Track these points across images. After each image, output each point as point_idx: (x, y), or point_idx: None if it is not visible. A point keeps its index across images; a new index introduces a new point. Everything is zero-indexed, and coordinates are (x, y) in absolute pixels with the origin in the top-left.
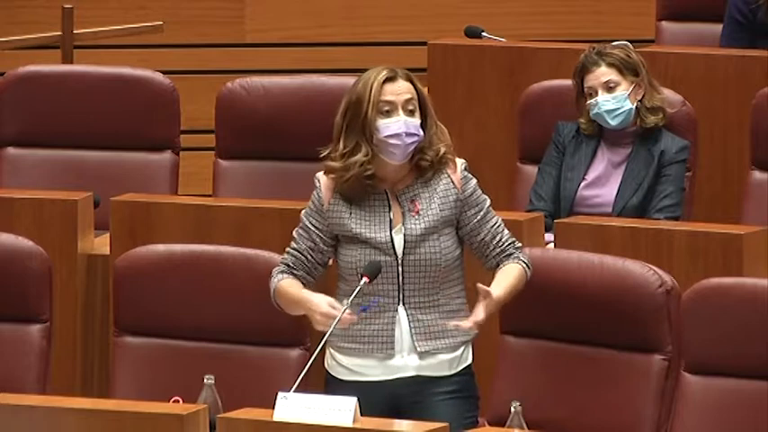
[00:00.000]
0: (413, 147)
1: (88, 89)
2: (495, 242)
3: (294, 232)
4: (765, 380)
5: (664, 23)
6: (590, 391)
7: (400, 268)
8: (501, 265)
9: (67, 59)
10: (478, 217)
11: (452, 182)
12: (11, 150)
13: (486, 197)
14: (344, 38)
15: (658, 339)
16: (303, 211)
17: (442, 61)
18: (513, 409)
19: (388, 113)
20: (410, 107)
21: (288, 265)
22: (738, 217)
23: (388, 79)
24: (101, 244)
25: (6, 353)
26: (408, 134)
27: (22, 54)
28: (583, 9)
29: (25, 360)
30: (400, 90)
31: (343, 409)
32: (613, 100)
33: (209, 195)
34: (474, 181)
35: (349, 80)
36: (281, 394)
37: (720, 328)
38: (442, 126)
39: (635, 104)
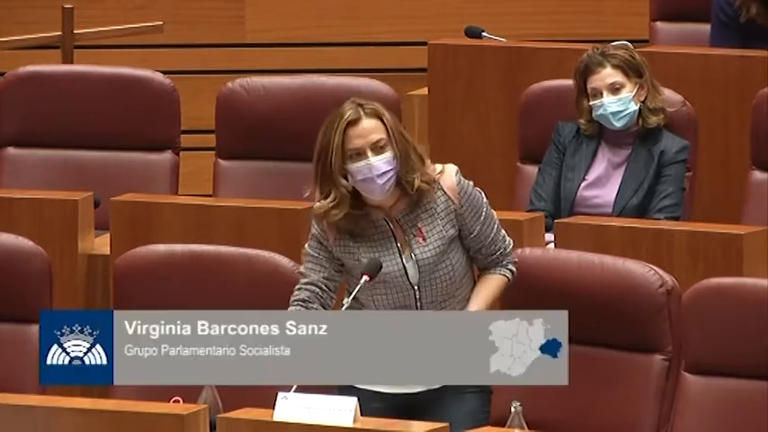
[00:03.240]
0: (390, 182)
1: (88, 89)
2: (489, 251)
3: (302, 268)
4: (765, 380)
5: (658, 24)
6: (590, 391)
7: (418, 294)
8: (484, 274)
9: (67, 59)
10: (478, 227)
11: (449, 197)
12: (11, 150)
13: (481, 195)
14: (344, 38)
15: (659, 339)
16: (306, 246)
17: (442, 61)
18: (513, 409)
19: (357, 157)
20: (380, 144)
21: (303, 300)
22: (738, 217)
23: (351, 123)
24: (101, 244)
25: (6, 353)
26: (380, 175)
27: (22, 54)
28: (583, 9)
29: (25, 360)
30: (365, 132)
31: (343, 409)
32: (619, 102)
33: (210, 195)
34: (469, 187)
35: (349, 80)
36: (281, 394)
37: (720, 328)
38: (419, 149)
39: (638, 105)
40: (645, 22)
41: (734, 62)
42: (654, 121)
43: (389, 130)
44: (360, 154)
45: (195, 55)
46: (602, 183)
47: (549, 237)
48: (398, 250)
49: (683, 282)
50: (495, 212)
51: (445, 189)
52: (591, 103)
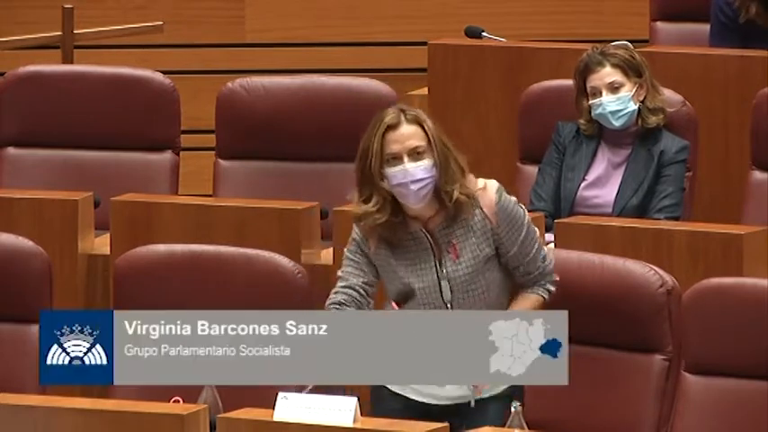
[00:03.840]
0: (426, 189)
1: (88, 89)
2: (527, 269)
3: (340, 272)
4: (765, 380)
5: (658, 24)
6: (591, 392)
7: (449, 297)
8: (521, 292)
9: (67, 59)
10: (516, 247)
11: (486, 216)
12: (11, 150)
13: (523, 213)
14: (344, 38)
15: (659, 339)
16: (346, 250)
17: (442, 61)
18: (513, 409)
19: (394, 162)
20: (417, 151)
21: (340, 303)
22: (738, 217)
23: (391, 127)
24: (101, 244)
25: (6, 353)
26: (414, 181)
27: (22, 54)
28: (583, 9)
29: (25, 360)
30: (403, 137)
31: (343, 409)
32: (618, 101)
33: (210, 195)
34: (509, 205)
35: (349, 80)
36: (281, 394)
37: (720, 328)
38: (461, 160)
39: (637, 105)
40: (645, 22)
41: (734, 62)
42: (653, 121)
43: (430, 138)
44: (396, 159)
45: (195, 55)
46: (602, 183)
47: (549, 237)
48: (435, 265)
49: (683, 282)
50: (537, 229)
51: (483, 207)
52: (590, 102)
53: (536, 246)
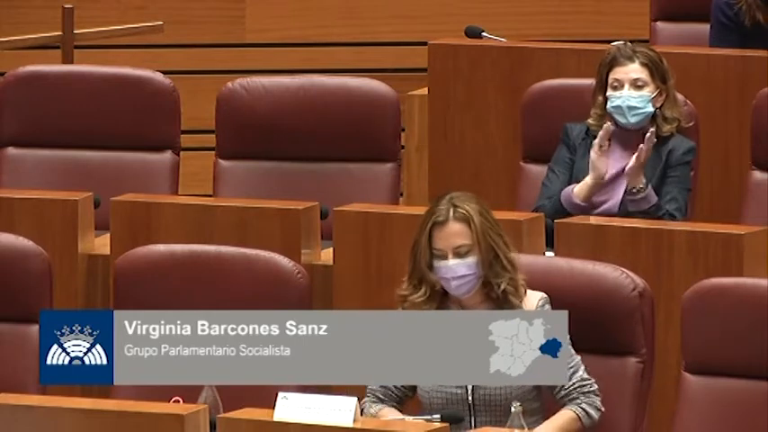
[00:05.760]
0: (469, 285)
1: (88, 89)
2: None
3: None
4: (765, 380)
5: (658, 24)
6: None
7: (470, 399)
8: (560, 409)
9: (67, 59)
10: None
11: None
12: (11, 150)
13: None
14: (344, 38)
15: (633, 342)
16: None
17: (442, 61)
18: (513, 410)
19: (440, 257)
20: (462, 250)
21: (378, 398)
22: (738, 217)
23: (437, 224)
24: (101, 244)
25: (6, 353)
26: (457, 277)
27: (22, 54)
28: (583, 9)
29: (25, 360)
30: (448, 235)
31: (343, 409)
32: (639, 98)
33: (210, 195)
34: None
35: (349, 80)
36: (281, 394)
37: (720, 328)
38: (510, 256)
39: (654, 109)
40: (645, 22)
41: (734, 62)
42: (668, 129)
43: (477, 236)
44: (441, 256)
45: (195, 55)
46: (611, 185)
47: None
48: None
49: (683, 282)
50: (572, 351)
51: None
52: (609, 93)
53: (573, 363)
